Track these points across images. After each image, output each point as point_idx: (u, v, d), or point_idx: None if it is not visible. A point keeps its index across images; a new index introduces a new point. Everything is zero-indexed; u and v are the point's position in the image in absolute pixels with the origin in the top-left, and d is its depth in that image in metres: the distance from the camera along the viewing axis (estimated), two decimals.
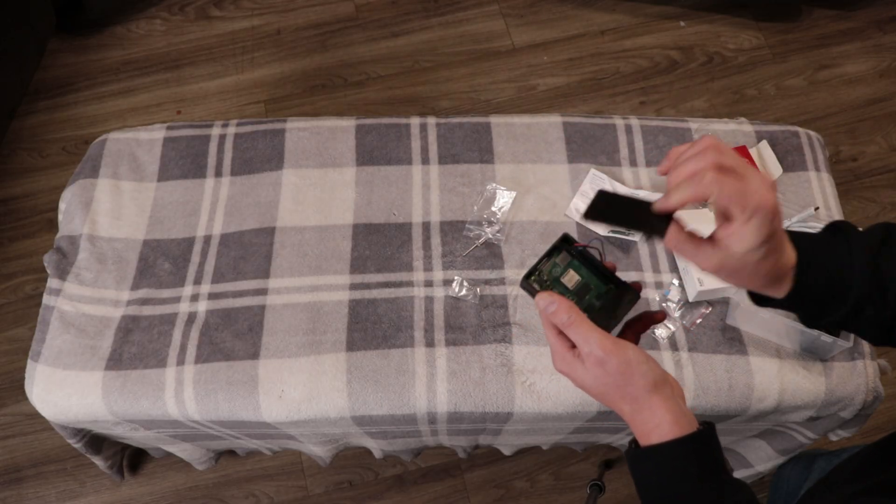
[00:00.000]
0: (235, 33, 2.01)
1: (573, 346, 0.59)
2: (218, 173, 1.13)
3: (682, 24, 2.03)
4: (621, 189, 1.10)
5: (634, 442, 0.59)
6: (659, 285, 1.03)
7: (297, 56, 1.97)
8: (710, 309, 1.01)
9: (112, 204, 1.11)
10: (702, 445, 0.57)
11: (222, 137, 1.17)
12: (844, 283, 0.59)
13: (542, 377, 0.96)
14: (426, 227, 1.08)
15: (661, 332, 0.99)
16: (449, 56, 1.97)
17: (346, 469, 1.49)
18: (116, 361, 0.98)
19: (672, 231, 0.59)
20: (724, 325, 1.00)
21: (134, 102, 1.90)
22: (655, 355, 0.97)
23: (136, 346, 0.99)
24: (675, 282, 1.03)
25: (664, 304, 1.01)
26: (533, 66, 1.96)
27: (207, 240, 1.08)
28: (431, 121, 1.18)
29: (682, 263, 1.03)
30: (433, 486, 1.48)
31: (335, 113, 1.86)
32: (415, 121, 1.17)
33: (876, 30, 2.02)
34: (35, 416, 1.44)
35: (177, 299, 1.03)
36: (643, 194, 1.07)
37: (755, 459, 1.24)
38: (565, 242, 0.66)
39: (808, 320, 0.63)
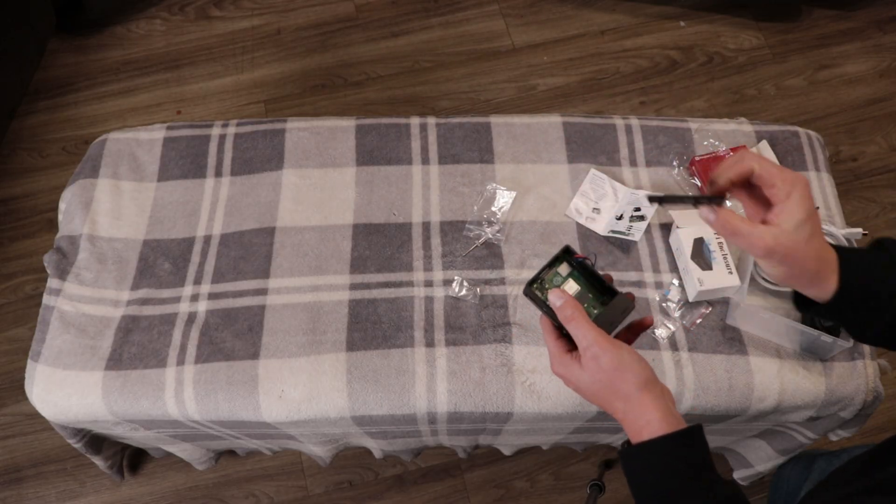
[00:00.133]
0: (235, 33, 2.01)
1: (569, 351, 0.64)
2: (218, 173, 1.13)
3: (682, 24, 2.03)
4: (621, 190, 1.10)
5: (628, 442, 0.61)
6: (659, 285, 1.03)
7: (297, 56, 1.97)
8: (710, 309, 1.01)
9: (112, 204, 1.11)
10: (691, 441, 0.58)
11: (222, 137, 1.17)
12: (888, 287, 0.62)
13: (542, 377, 0.96)
14: (426, 227, 1.08)
15: (661, 332, 0.99)
16: (449, 56, 1.97)
17: (346, 469, 1.49)
18: (116, 361, 0.98)
19: (725, 214, 0.60)
20: (724, 325, 1.00)
21: (134, 102, 1.90)
22: (655, 355, 0.97)
23: (136, 346, 0.99)
24: (675, 282, 1.03)
25: (664, 304, 1.01)
26: (533, 66, 1.96)
27: (207, 240, 1.08)
28: (431, 121, 1.18)
29: (682, 263, 1.03)
30: (433, 486, 1.48)
31: (335, 113, 1.86)
32: (415, 121, 1.17)
33: (876, 30, 2.03)
34: (35, 416, 1.44)
35: (177, 299, 1.03)
36: (643, 194, 1.07)
37: (755, 459, 1.24)
38: (566, 254, 0.71)
39: (855, 329, 0.66)
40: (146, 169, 1.14)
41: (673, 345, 0.98)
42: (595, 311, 0.68)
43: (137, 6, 2.03)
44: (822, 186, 1.13)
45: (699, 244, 1.02)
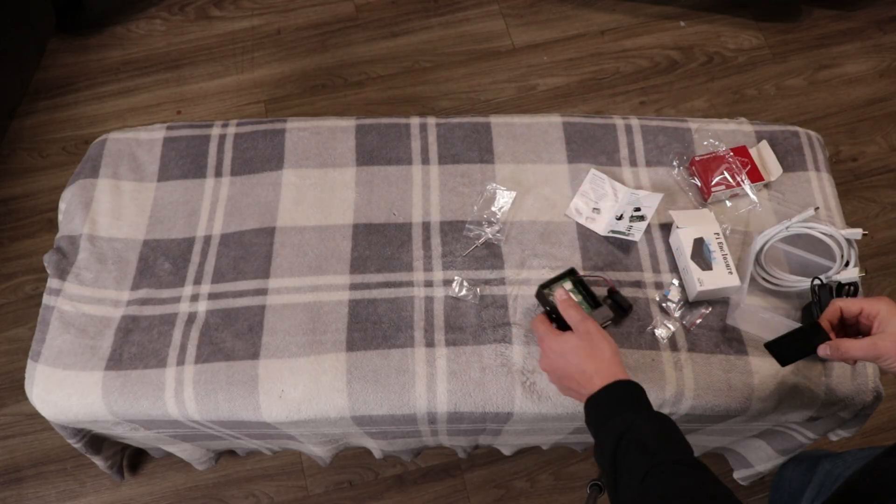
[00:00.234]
0: (235, 33, 2.01)
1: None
2: (218, 173, 1.13)
3: (682, 24, 2.03)
4: (621, 190, 1.09)
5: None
6: (659, 285, 1.03)
7: (297, 56, 1.97)
8: (710, 309, 1.01)
9: (112, 204, 1.11)
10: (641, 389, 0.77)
11: (222, 137, 1.17)
12: None
13: (542, 377, 0.96)
14: (426, 227, 1.08)
15: (661, 331, 0.99)
16: (449, 56, 1.97)
17: (346, 469, 1.49)
18: (116, 361, 0.98)
19: (834, 343, 0.79)
20: (724, 325, 1.00)
21: (134, 102, 1.90)
22: (655, 355, 0.97)
23: (136, 347, 0.99)
24: (675, 282, 1.03)
25: (664, 304, 1.01)
26: (533, 66, 1.96)
27: (207, 240, 1.08)
28: (431, 121, 1.18)
29: (682, 263, 1.03)
30: (433, 486, 1.48)
31: (335, 113, 1.86)
32: (415, 121, 1.17)
33: (876, 30, 2.03)
34: (35, 416, 1.44)
35: (177, 299, 1.03)
36: (643, 194, 1.07)
37: (755, 459, 1.24)
38: (571, 273, 0.98)
39: None
40: (146, 169, 1.14)
41: (673, 345, 0.98)
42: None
43: (137, 6, 2.03)
44: (822, 186, 1.13)
45: (699, 244, 1.02)
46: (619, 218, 1.06)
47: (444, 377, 0.96)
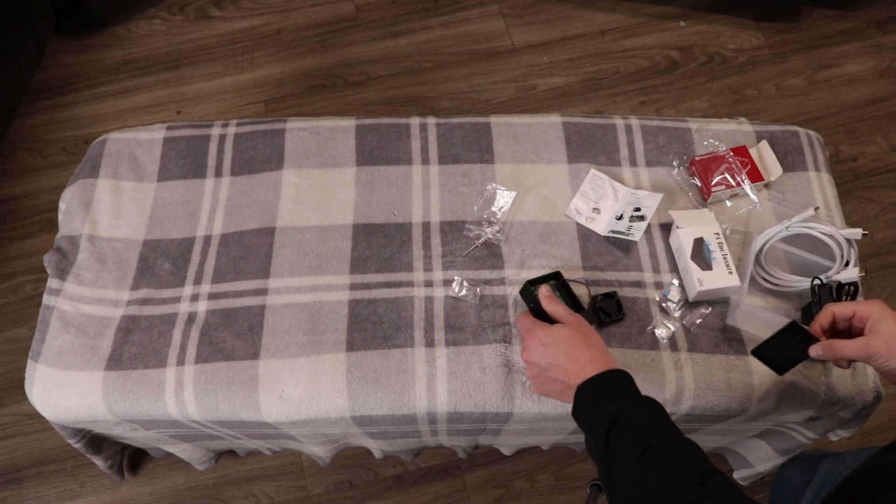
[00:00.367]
0: (235, 33, 2.01)
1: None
2: (218, 173, 1.13)
3: (682, 24, 2.03)
4: (621, 190, 1.09)
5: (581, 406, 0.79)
6: (659, 285, 1.03)
7: (297, 56, 1.97)
8: (710, 309, 1.01)
9: (112, 204, 1.11)
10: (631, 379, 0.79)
11: (222, 137, 1.17)
12: None
13: None
14: (426, 227, 1.08)
15: (661, 331, 0.99)
16: (449, 56, 1.97)
17: (346, 469, 1.49)
18: (116, 361, 0.98)
19: (825, 343, 0.80)
20: (724, 325, 1.00)
21: (134, 102, 1.90)
22: (655, 355, 0.97)
23: (136, 347, 0.99)
24: (675, 282, 1.03)
25: (664, 304, 1.01)
26: (533, 66, 1.96)
27: (207, 240, 1.08)
28: (431, 121, 1.18)
29: (682, 263, 1.03)
30: (433, 486, 1.48)
31: (335, 113, 1.86)
32: (415, 121, 1.17)
33: (876, 30, 2.03)
34: (35, 416, 1.44)
35: (177, 299, 1.03)
36: (643, 194, 1.07)
37: (755, 459, 1.24)
38: (556, 277, 1.00)
39: None
40: (146, 169, 1.14)
41: (673, 345, 0.98)
42: None
43: (137, 6, 2.03)
44: (822, 186, 1.13)
45: (699, 244, 1.02)
46: (619, 218, 1.06)
47: (444, 377, 0.96)
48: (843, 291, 0.96)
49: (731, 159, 1.09)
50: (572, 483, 1.48)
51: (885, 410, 1.53)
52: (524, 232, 1.07)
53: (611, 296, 1.00)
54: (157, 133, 1.18)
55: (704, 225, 1.03)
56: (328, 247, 1.06)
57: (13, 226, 1.73)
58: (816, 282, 0.95)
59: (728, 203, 1.10)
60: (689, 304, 1.02)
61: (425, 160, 1.13)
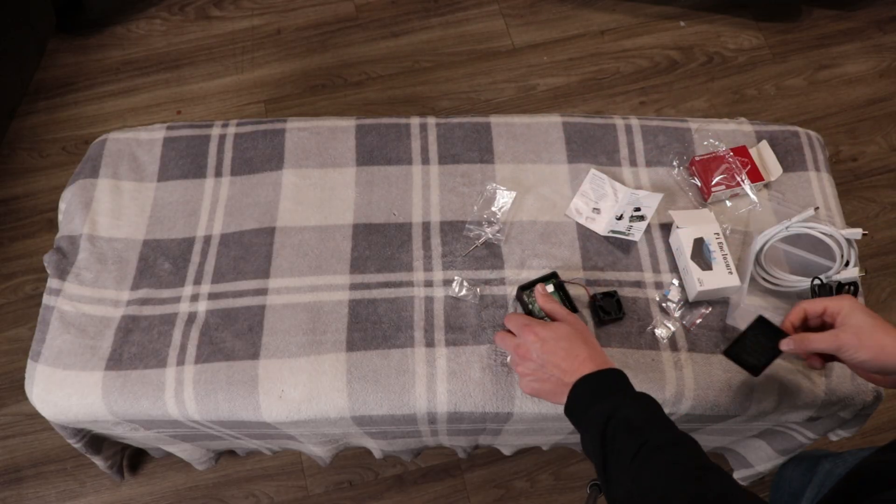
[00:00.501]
0: (235, 33, 2.01)
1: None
2: (218, 173, 1.13)
3: (682, 24, 2.03)
4: (621, 190, 1.09)
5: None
6: (659, 285, 1.03)
7: (297, 56, 1.97)
8: (710, 309, 1.01)
9: (112, 204, 1.11)
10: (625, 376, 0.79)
11: (222, 137, 1.17)
12: None
13: None
14: (426, 227, 1.08)
15: (661, 331, 0.99)
16: (449, 56, 1.97)
17: (346, 469, 1.49)
18: (116, 361, 0.98)
19: (797, 337, 0.80)
20: (724, 325, 1.00)
21: (134, 102, 1.90)
22: (655, 355, 0.97)
23: (136, 346, 0.99)
24: (675, 282, 1.03)
25: (664, 304, 1.01)
26: (533, 66, 1.96)
27: (207, 240, 1.08)
28: (431, 121, 1.18)
29: (682, 263, 1.03)
30: (433, 486, 1.48)
31: (335, 113, 1.86)
32: (415, 121, 1.17)
33: (876, 30, 2.03)
34: (35, 416, 1.44)
35: (177, 299, 1.03)
36: (643, 194, 1.07)
37: (755, 459, 1.24)
38: (553, 276, 1.00)
39: None
40: (146, 169, 1.14)
41: (673, 345, 0.98)
42: None
43: (137, 6, 2.03)
44: (822, 186, 1.13)
45: (699, 244, 1.02)
46: (619, 218, 1.06)
47: (444, 377, 0.96)
48: (843, 291, 0.96)
49: (731, 159, 1.09)
50: (572, 483, 1.48)
51: (885, 410, 1.53)
52: (524, 232, 1.07)
53: (611, 295, 1.00)
54: (157, 133, 1.18)
55: (704, 225, 1.03)
56: (328, 247, 1.06)
57: (13, 226, 1.73)
58: (816, 282, 0.95)
59: (728, 203, 1.10)
60: (689, 304, 1.02)
61: (425, 160, 1.13)
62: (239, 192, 1.11)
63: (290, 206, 1.09)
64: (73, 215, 1.10)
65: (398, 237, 1.07)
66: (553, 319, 0.87)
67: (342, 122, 1.17)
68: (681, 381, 0.95)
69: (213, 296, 1.02)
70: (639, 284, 1.03)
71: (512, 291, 1.02)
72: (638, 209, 1.06)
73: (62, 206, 1.14)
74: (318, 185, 1.11)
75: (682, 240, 1.01)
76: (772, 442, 1.15)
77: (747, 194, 1.09)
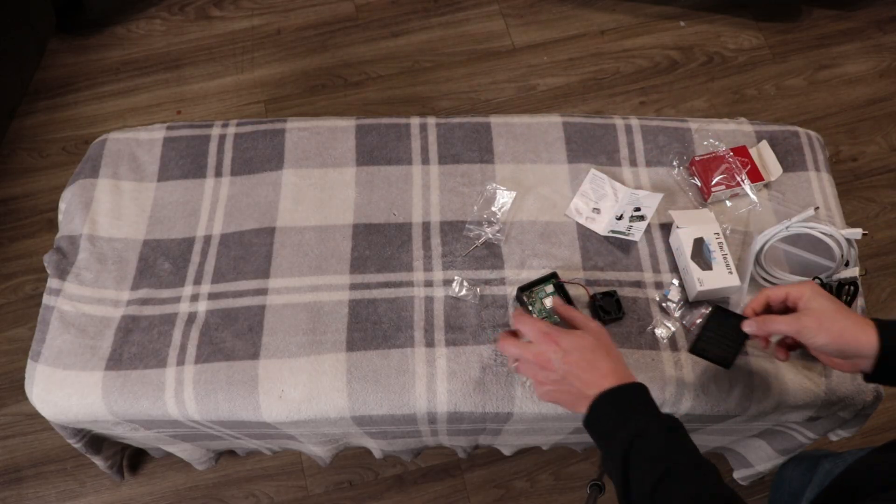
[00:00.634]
0: (235, 33, 2.01)
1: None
2: (218, 173, 1.13)
3: (682, 24, 2.03)
4: (621, 190, 1.09)
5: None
6: (659, 285, 1.03)
7: (297, 56, 1.97)
8: (710, 309, 1.01)
9: (112, 204, 1.11)
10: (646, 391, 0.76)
11: (222, 137, 1.17)
12: None
13: None
14: (426, 227, 1.08)
15: (661, 331, 0.99)
16: (449, 56, 1.97)
17: (346, 469, 1.49)
18: (116, 361, 0.98)
19: (759, 319, 0.81)
20: None
21: (134, 102, 1.90)
22: (655, 355, 0.97)
23: (136, 346, 0.99)
24: (675, 282, 1.03)
25: (664, 304, 1.01)
26: (533, 66, 1.96)
27: (207, 240, 1.08)
28: (431, 121, 1.18)
29: (682, 263, 1.03)
30: (433, 486, 1.48)
31: (335, 113, 1.86)
32: (415, 121, 1.18)
33: (876, 30, 2.03)
34: (35, 416, 1.44)
35: (177, 299, 1.03)
36: (643, 194, 1.07)
37: (755, 459, 1.24)
38: (553, 276, 1.00)
39: None
40: (146, 169, 1.14)
41: (673, 345, 0.98)
42: (557, 318, 0.91)
43: (137, 6, 2.03)
44: (822, 186, 1.13)
45: (699, 244, 1.02)
46: (619, 218, 1.06)
47: (444, 377, 0.96)
48: (843, 291, 0.96)
49: (731, 159, 1.09)
50: (572, 483, 1.48)
51: (885, 410, 1.53)
52: (524, 232, 1.07)
53: (610, 294, 1.00)
54: (157, 133, 1.18)
55: (704, 225, 1.03)
56: (328, 247, 1.06)
57: (13, 226, 1.73)
58: (816, 281, 0.95)
59: (728, 203, 1.10)
60: (689, 304, 1.02)
61: (425, 160, 1.13)
62: (239, 192, 1.11)
63: (290, 206, 1.09)
64: (73, 215, 1.10)
65: (398, 237, 1.07)
66: (573, 326, 0.83)
67: (342, 122, 1.17)
68: (681, 381, 0.95)
69: (213, 296, 1.02)
70: (639, 284, 1.03)
71: (512, 291, 1.02)
72: (638, 209, 1.06)
73: (62, 206, 1.14)
74: (318, 185, 1.11)
75: (682, 240, 1.01)
76: (772, 442, 1.15)
77: (747, 194, 1.09)
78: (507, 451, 1.34)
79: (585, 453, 1.49)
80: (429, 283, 1.03)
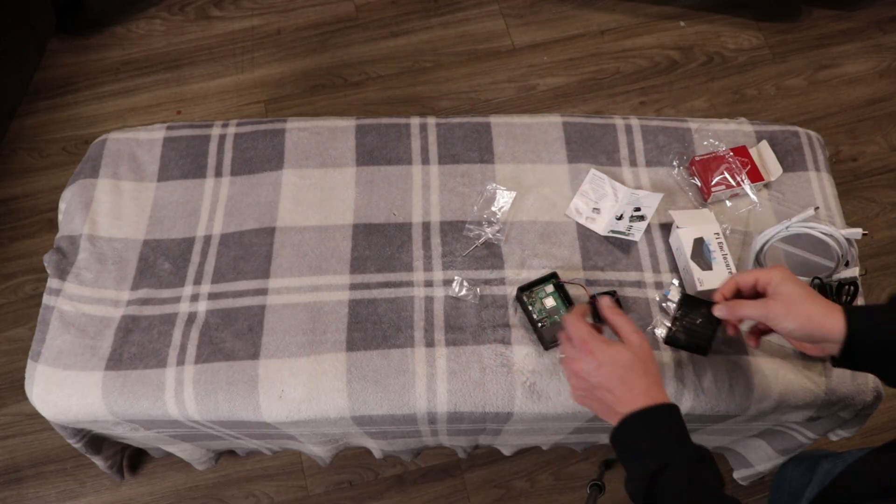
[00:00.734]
0: (235, 33, 2.01)
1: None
2: (218, 173, 1.13)
3: (682, 24, 2.03)
4: (621, 190, 1.10)
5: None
6: (659, 285, 1.03)
7: (297, 56, 1.97)
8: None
9: (112, 204, 1.11)
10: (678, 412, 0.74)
11: (222, 137, 1.17)
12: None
13: (542, 377, 0.96)
14: (426, 227, 1.08)
15: (661, 331, 0.99)
16: (449, 56, 1.97)
17: (346, 469, 1.49)
18: (116, 361, 0.98)
19: (729, 303, 0.82)
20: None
21: (134, 102, 1.90)
22: (655, 355, 0.97)
23: (136, 346, 0.99)
24: (675, 282, 1.03)
25: (664, 304, 1.01)
26: (533, 66, 1.96)
27: (207, 240, 1.08)
28: (431, 121, 1.18)
29: (682, 263, 1.03)
30: (433, 486, 1.48)
31: (335, 113, 1.86)
32: (415, 121, 1.18)
33: (876, 30, 2.03)
34: (35, 416, 1.44)
35: (177, 299, 1.03)
36: (643, 194, 1.07)
37: (755, 459, 1.24)
38: (553, 276, 1.00)
39: (884, 377, 0.77)
40: (146, 169, 1.14)
41: None
42: (558, 320, 0.97)
43: (137, 6, 2.03)
44: (822, 186, 1.13)
45: (699, 244, 1.02)
46: (619, 218, 1.06)
47: (444, 377, 0.96)
48: (843, 291, 0.96)
49: (731, 159, 1.09)
50: (572, 483, 1.48)
51: (885, 410, 1.53)
52: (524, 232, 1.07)
53: (610, 294, 1.00)
54: (157, 133, 1.18)
55: (704, 225, 1.03)
56: (328, 247, 1.06)
57: (13, 226, 1.73)
58: (816, 281, 0.95)
59: (728, 203, 1.10)
60: None
61: (425, 160, 1.14)
62: (239, 192, 1.11)
63: (290, 206, 1.09)
64: (73, 215, 1.10)
65: (398, 237, 1.07)
66: (617, 334, 0.81)
67: (342, 122, 1.17)
68: (681, 382, 0.95)
69: (213, 296, 1.02)
70: (639, 284, 1.03)
71: (512, 291, 1.02)
72: (638, 209, 1.06)
73: (62, 206, 1.14)
74: (318, 185, 1.11)
75: (682, 240, 1.01)
76: (772, 442, 1.15)
77: (747, 194, 1.09)
78: (507, 451, 1.34)
79: (585, 453, 1.49)
80: (429, 283, 1.03)
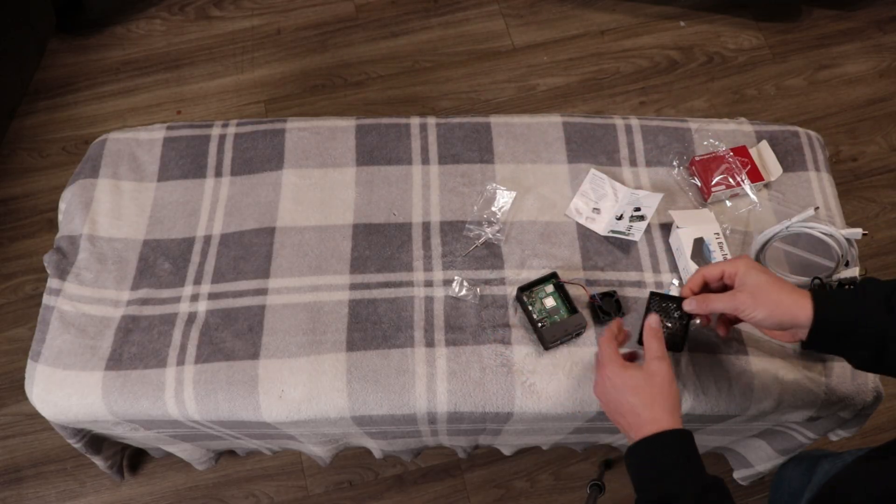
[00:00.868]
0: (235, 33, 2.01)
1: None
2: (218, 173, 1.13)
3: (682, 24, 2.03)
4: (621, 190, 1.10)
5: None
6: (659, 285, 1.03)
7: (297, 56, 1.97)
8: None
9: (112, 204, 1.11)
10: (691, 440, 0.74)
11: (222, 137, 1.17)
12: (862, 323, 0.72)
13: (542, 377, 0.96)
14: (426, 227, 1.08)
15: None
16: (449, 56, 1.97)
17: (346, 469, 1.49)
18: (116, 361, 0.98)
19: (698, 297, 0.83)
20: None
21: (134, 102, 1.90)
22: None
23: (136, 346, 0.99)
24: (675, 282, 1.03)
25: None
26: (533, 66, 1.96)
27: (207, 240, 1.08)
28: (431, 121, 1.18)
29: (682, 263, 1.03)
30: (433, 486, 1.48)
31: (335, 113, 1.86)
32: (415, 121, 1.18)
33: (876, 30, 2.03)
34: (35, 416, 1.44)
35: (177, 299, 1.03)
36: (643, 194, 1.07)
37: (755, 459, 1.24)
38: (553, 276, 1.00)
39: (851, 360, 0.77)
40: (146, 169, 1.14)
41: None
42: (557, 320, 0.97)
43: (137, 6, 2.03)
44: (822, 186, 1.13)
45: (699, 244, 1.02)
46: (619, 218, 1.06)
47: (444, 377, 0.96)
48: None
49: (731, 159, 1.09)
50: (572, 483, 1.49)
51: (885, 410, 1.53)
52: (524, 232, 1.07)
53: (610, 294, 1.00)
54: (157, 133, 1.18)
55: (704, 225, 1.03)
56: (328, 247, 1.06)
57: (13, 226, 1.73)
58: (816, 281, 0.95)
59: (728, 203, 1.10)
60: None
61: (425, 160, 1.14)
62: (239, 192, 1.11)
63: (290, 206, 1.09)
64: (73, 215, 1.10)
65: (398, 237, 1.07)
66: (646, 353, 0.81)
67: (342, 122, 1.17)
68: (681, 382, 0.95)
69: (213, 296, 1.02)
70: (639, 284, 1.03)
71: (512, 291, 1.02)
72: (638, 209, 1.06)
73: (62, 206, 1.14)
74: (318, 185, 1.11)
75: (682, 240, 1.01)
76: (772, 442, 1.15)
77: (747, 194, 1.09)
78: (507, 451, 1.34)
79: (585, 453, 1.49)
80: (429, 283, 1.03)
